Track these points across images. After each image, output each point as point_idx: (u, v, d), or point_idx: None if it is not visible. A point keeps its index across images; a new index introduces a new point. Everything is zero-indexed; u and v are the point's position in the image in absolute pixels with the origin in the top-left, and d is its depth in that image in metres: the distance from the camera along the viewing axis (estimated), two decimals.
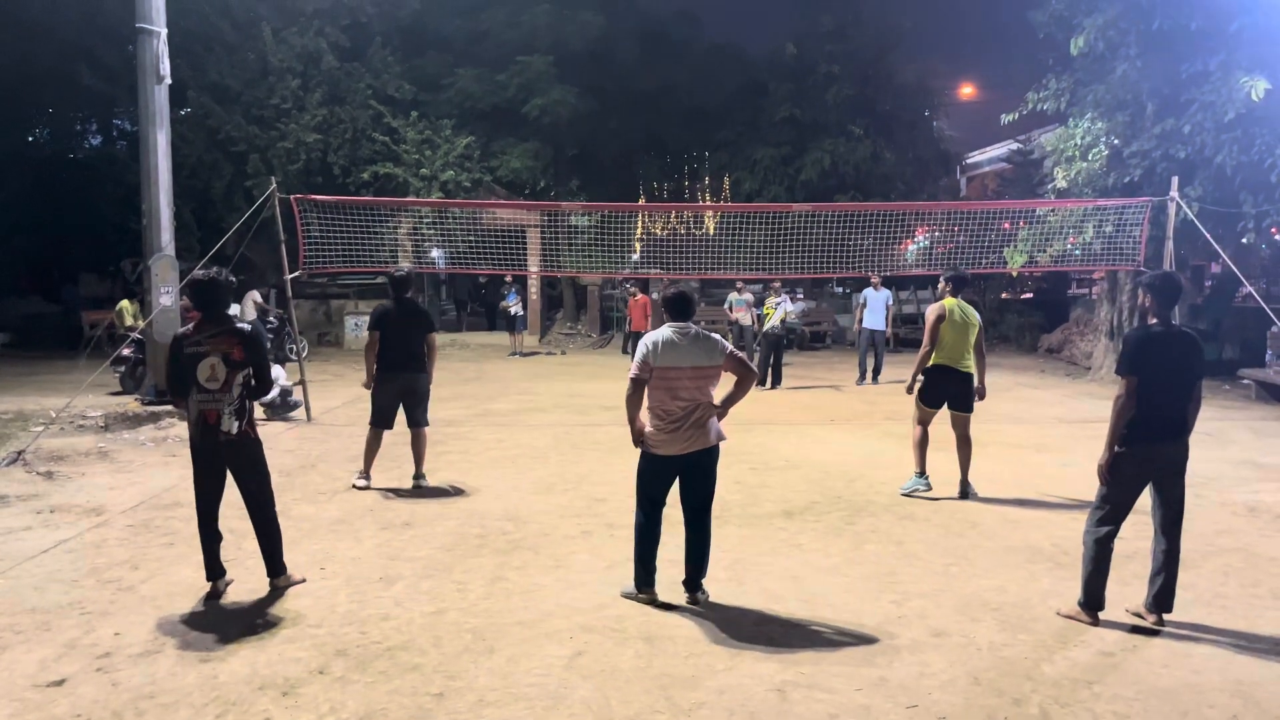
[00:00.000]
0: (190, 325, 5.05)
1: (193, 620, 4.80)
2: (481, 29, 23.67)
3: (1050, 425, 11.16)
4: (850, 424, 11.24)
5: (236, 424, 4.95)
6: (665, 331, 5.01)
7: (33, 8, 19.56)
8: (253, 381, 5.05)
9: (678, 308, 5.08)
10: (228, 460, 5.05)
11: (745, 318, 16.65)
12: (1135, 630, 4.75)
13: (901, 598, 5.18)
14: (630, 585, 5.15)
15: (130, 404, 11.67)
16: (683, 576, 5.13)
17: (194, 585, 5.26)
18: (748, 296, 16.77)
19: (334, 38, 21.38)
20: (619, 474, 8.31)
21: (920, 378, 7.57)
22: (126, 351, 12.58)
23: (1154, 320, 4.86)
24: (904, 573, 5.61)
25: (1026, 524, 6.69)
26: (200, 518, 5.12)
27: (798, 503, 7.32)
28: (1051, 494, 7.56)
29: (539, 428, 10.87)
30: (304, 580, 5.34)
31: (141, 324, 12.20)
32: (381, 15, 22.70)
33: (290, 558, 5.73)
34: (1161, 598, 4.81)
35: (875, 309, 15.31)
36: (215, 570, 5.15)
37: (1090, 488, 5.09)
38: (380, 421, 7.78)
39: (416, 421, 7.83)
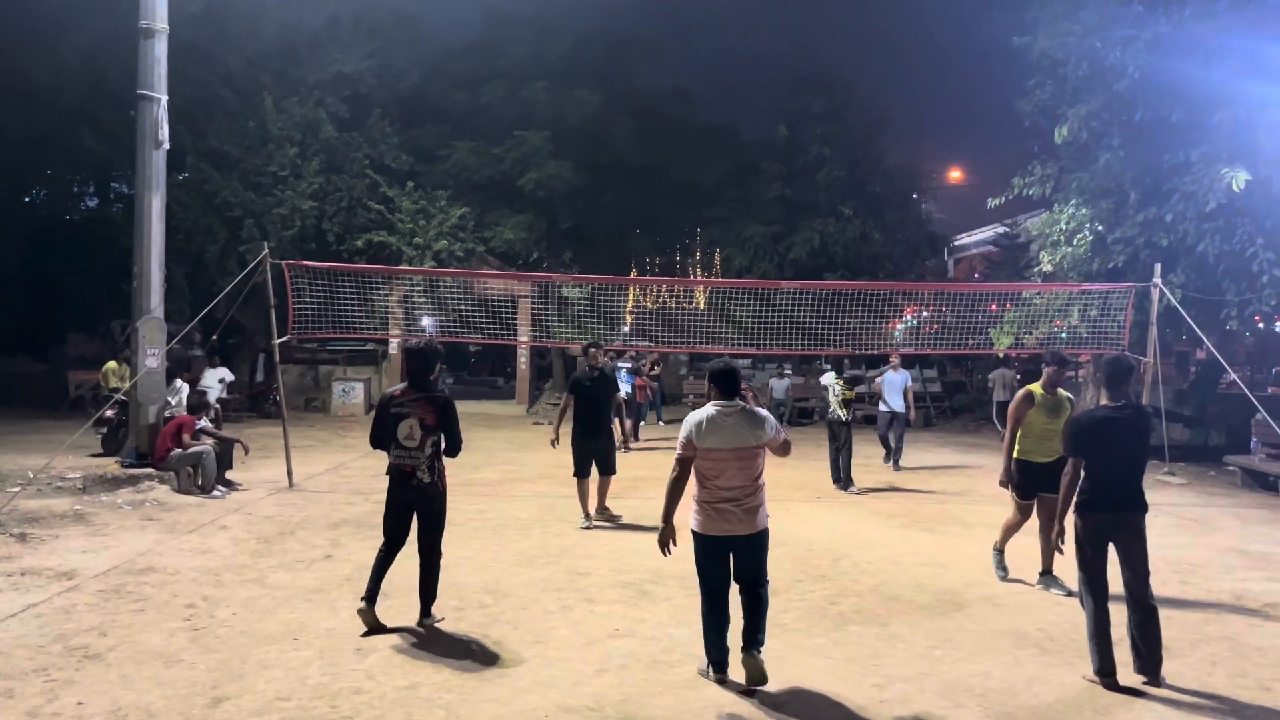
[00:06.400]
0: (401, 386, 5.88)
1: (158, 690, 4.68)
2: (481, 103, 24.08)
3: None
4: (836, 502, 11.17)
5: (428, 475, 5.71)
6: (709, 410, 4.85)
7: (40, 72, 19.85)
8: (442, 444, 5.79)
9: (723, 384, 4.86)
10: (415, 504, 5.75)
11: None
12: None
13: (885, 681, 5.09)
14: (705, 663, 5.04)
15: (110, 466, 11.53)
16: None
17: (162, 653, 5.14)
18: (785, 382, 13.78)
19: (334, 108, 21.70)
20: (602, 548, 8.23)
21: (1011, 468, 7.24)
22: (109, 413, 12.48)
23: (1105, 401, 5.29)
24: (888, 655, 5.53)
25: (1012, 608, 6.61)
26: (383, 548, 5.82)
27: (782, 580, 7.21)
28: (1036, 578, 7.48)
29: (522, 499, 10.78)
30: (443, 619, 5.86)
31: (126, 385, 12.13)
32: (382, 86, 23.08)
33: (263, 627, 5.65)
34: (1141, 663, 5.07)
35: (894, 390, 13.98)
36: (372, 594, 5.69)
37: (1075, 573, 5.17)
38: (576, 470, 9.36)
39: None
